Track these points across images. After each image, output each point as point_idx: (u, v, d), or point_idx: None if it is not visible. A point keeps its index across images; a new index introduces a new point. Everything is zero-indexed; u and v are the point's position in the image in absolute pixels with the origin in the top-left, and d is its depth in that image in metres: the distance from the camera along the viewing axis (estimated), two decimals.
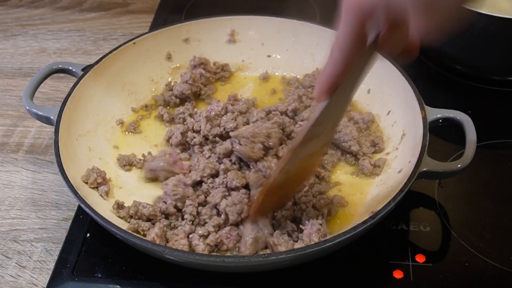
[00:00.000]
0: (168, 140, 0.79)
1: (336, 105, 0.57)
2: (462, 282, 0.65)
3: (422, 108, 0.72)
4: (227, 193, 0.68)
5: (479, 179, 0.78)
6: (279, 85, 0.90)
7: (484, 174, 0.78)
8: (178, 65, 0.91)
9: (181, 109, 0.82)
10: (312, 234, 0.63)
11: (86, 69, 0.81)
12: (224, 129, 0.76)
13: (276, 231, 0.65)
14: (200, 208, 0.69)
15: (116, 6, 1.18)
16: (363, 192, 0.73)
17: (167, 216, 0.69)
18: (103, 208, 0.68)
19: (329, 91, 0.53)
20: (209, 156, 0.75)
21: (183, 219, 0.68)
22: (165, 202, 0.68)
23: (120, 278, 0.65)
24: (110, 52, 0.84)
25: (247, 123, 0.78)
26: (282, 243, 0.63)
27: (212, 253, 0.65)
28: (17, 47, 1.07)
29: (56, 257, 0.69)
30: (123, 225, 0.67)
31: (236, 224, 0.67)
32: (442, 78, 0.95)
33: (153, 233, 0.64)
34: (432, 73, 0.96)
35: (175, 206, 0.68)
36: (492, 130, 0.84)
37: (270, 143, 0.71)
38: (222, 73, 0.91)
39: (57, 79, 0.96)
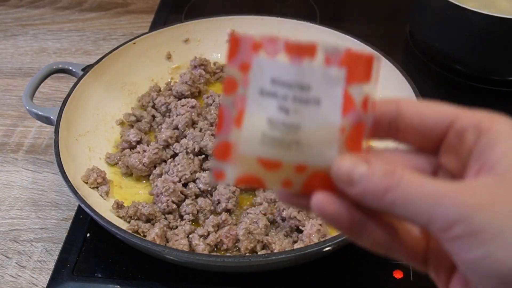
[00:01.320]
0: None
1: None
2: None
3: None
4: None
5: None
6: None
7: None
8: (178, 65, 0.91)
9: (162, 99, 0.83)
10: (312, 234, 0.63)
11: (86, 69, 0.81)
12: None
13: (272, 230, 0.66)
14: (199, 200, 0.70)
15: (116, 6, 1.18)
16: None
17: (166, 215, 0.69)
18: (103, 208, 0.68)
19: None
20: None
21: (182, 219, 0.68)
22: (162, 202, 0.68)
23: (120, 278, 0.65)
24: (110, 52, 0.84)
25: None
26: (276, 242, 0.63)
27: (212, 253, 0.65)
28: (17, 47, 1.07)
29: (56, 257, 0.69)
30: (123, 225, 0.67)
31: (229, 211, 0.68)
32: (442, 78, 0.95)
33: (153, 233, 0.64)
34: (432, 73, 0.96)
35: (173, 202, 0.68)
36: None
37: None
38: (221, 74, 0.91)
39: (57, 79, 0.96)
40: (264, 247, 0.65)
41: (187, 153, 0.74)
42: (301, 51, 0.30)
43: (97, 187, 0.72)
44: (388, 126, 0.33)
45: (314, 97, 0.30)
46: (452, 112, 0.32)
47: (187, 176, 0.71)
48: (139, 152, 0.74)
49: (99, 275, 0.66)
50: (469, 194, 0.28)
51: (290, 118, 0.30)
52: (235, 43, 0.30)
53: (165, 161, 0.75)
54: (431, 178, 0.29)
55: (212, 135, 0.76)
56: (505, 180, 0.29)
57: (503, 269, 0.27)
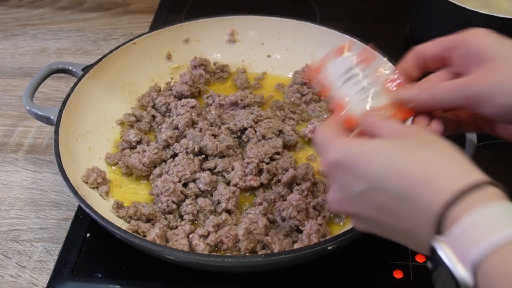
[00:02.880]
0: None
1: None
2: None
3: None
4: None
5: None
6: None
7: None
8: (178, 65, 0.91)
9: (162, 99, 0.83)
10: (312, 234, 0.63)
11: (86, 69, 0.81)
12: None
13: (272, 230, 0.66)
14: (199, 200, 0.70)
15: (116, 6, 1.18)
16: None
17: (166, 215, 0.69)
18: (103, 208, 0.68)
19: None
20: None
21: (182, 218, 0.69)
22: (162, 202, 0.68)
23: (120, 278, 0.65)
24: (110, 52, 0.84)
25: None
26: (276, 242, 0.63)
27: (212, 253, 0.65)
28: (17, 47, 1.07)
29: (56, 257, 0.69)
30: (123, 225, 0.67)
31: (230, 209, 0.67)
32: None
33: (153, 233, 0.64)
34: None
35: (173, 202, 0.68)
36: None
37: None
38: (221, 74, 0.91)
39: (57, 79, 0.96)
40: (264, 247, 0.65)
41: (187, 153, 0.74)
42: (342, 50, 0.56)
43: (97, 187, 0.72)
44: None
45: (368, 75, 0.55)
46: (442, 45, 0.53)
47: (187, 176, 0.71)
48: (139, 152, 0.74)
49: (99, 275, 0.66)
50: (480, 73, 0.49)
51: (363, 89, 0.54)
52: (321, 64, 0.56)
53: (165, 161, 0.75)
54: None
55: (212, 135, 0.76)
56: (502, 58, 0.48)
57: None
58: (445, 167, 0.40)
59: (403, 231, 0.43)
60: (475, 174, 0.39)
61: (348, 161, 0.44)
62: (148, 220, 0.68)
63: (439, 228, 0.38)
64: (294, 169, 0.71)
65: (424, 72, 0.55)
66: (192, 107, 0.80)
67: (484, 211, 0.36)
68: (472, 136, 0.69)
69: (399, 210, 0.42)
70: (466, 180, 0.38)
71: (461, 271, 0.36)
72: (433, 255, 0.39)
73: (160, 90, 0.88)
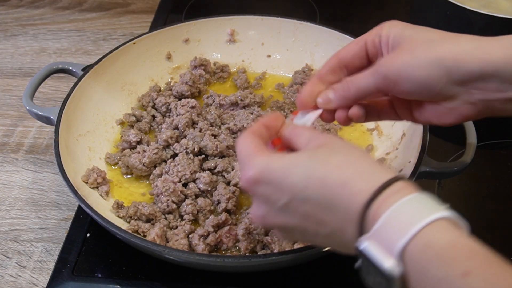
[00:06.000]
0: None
1: None
2: None
3: None
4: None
5: (479, 179, 0.78)
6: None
7: (484, 174, 0.78)
8: (178, 65, 0.92)
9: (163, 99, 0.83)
10: None
11: (86, 69, 0.81)
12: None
13: (272, 230, 0.66)
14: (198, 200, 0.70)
15: (116, 6, 1.18)
16: None
17: (166, 215, 0.69)
18: (103, 208, 0.68)
19: None
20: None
21: (182, 218, 0.69)
22: (162, 202, 0.68)
23: (120, 278, 0.65)
24: (110, 52, 0.84)
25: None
26: (276, 242, 0.63)
27: (212, 253, 0.65)
28: (17, 47, 1.07)
29: (56, 257, 0.69)
30: (123, 225, 0.67)
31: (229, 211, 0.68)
32: None
33: (153, 233, 0.64)
34: None
35: (173, 202, 0.68)
36: (492, 130, 0.84)
37: None
38: (221, 74, 0.91)
39: (57, 79, 0.96)
40: (264, 247, 0.65)
41: (187, 153, 0.74)
42: None
43: (97, 187, 0.72)
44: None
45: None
46: (358, 42, 0.53)
47: (187, 176, 0.71)
48: (139, 152, 0.74)
49: (99, 275, 0.66)
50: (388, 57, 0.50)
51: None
52: None
53: (165, 161, 0.75)
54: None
55: (212, 135, 0.76)
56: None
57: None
58: (358, 170, 0.43)
59: (328, 235, 0.45)
60: (385, 173, 0.42)
61: (269, 175, 0.45)
62: (148, 220, 0.68)
63: (362, 228, 0.41)
64: None
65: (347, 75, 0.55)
66: (192, 107, 0.80)
67: (397, 204, 0.39)
68: (472, 136, 0.69)
69: (322, 216, 0.44)
70: (378, 180, 0.41)
71: (388, 262, 0.38)
72: (360, 254, 0.41)
73: (160, 90, 0.88)
